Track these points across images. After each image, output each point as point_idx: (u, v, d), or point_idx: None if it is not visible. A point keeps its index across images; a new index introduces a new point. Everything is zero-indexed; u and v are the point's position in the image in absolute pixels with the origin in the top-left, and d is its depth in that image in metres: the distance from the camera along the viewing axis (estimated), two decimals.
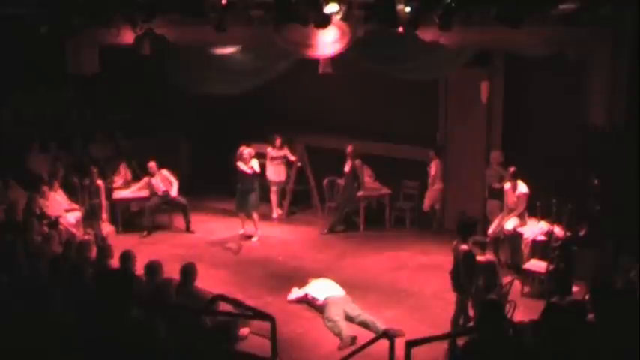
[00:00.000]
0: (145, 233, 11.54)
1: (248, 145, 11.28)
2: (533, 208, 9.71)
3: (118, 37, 9.42)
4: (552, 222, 9.23)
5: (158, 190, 11.72)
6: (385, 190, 12.02)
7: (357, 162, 11.55)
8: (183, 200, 11.79)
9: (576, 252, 8.81)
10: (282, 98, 13.29)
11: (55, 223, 9.96)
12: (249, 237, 11.37)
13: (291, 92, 13.03)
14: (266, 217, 12.27)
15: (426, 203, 11.63)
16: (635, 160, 8.39)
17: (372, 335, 7.17)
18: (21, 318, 4.53)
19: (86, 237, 9.11)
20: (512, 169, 9.72)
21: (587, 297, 6.11)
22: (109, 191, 11.85)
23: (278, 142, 12.37)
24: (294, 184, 12.64)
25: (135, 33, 9.18)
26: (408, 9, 8.01)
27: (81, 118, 12.73)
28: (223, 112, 13.73)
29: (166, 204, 11.90)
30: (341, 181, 11.92)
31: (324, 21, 8.00)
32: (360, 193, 11.67)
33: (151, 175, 11.75)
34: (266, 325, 6.28)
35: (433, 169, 11.46)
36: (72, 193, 11.17)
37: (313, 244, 11.24)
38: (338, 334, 7.82)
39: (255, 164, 11.12)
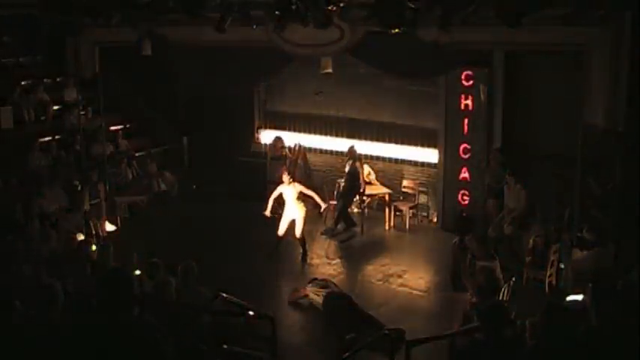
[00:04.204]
0: (144, 233, 11.53)
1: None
2: (532, 208, 9.70)
3: (118, 37, 9.43)
4: (552, 222, 9.23)
5: (158, 190, 11.72)
6: (385, 190, 12.02)
7: (357, 162, 11.54)
8: (181, 201, 11.80)
9: (576, 252, 8.81)
10: (282, 98, 13.28)
11: (55, 223, 9.95)
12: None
13: (291, 92, 13.02)
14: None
15: None
16: (635, 160, 8.39)
17: (372, 335, 7.17)
18: (20, 318, 4.53)
19: (86, 237, 9.11)
20: (512, 169, 9.72)
21: (587, 297, 6.11)
22: (109, 191, 11.86)
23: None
24: None
25: (135, 33, 9.19)
26: (407, 9, 8.02)
27: (81, 118, 12.70)
28: (223, 112, 13.72)
29: (166, 204, 11.90)
30: (341, 181, 11.91)
31: (324, 21, 7.99)
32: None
33: (151, 175, 11.76)
34: (265, 323, 6.30)
35: None
36: (72, 193, 11.16)
37: (313, 244, 11.23)
38: (338, 334, 7.82)
39: None
